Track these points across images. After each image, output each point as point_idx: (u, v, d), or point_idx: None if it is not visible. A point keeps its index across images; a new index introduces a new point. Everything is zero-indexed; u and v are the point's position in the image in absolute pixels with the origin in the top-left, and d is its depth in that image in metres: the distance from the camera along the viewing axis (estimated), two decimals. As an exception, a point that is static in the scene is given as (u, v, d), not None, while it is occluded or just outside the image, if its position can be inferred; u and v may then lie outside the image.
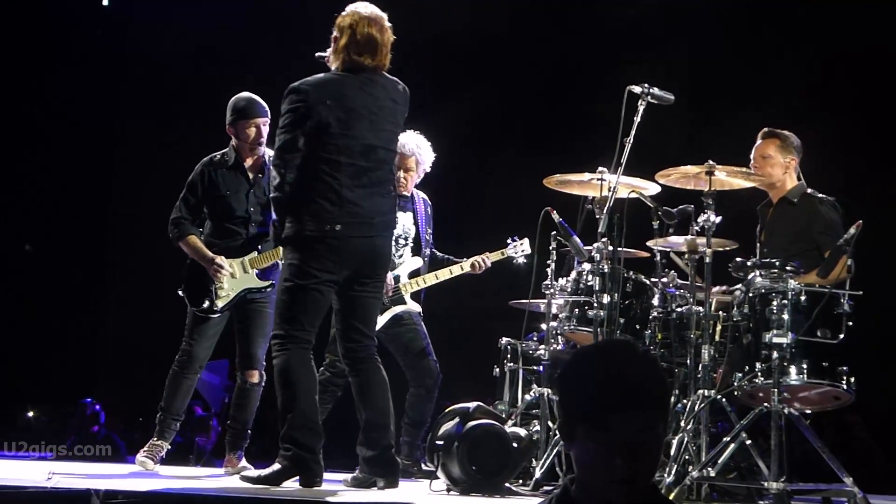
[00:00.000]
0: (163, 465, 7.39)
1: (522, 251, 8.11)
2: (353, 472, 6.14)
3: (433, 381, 7.79)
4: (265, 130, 7.34)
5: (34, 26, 11.79)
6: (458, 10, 10.56)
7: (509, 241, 8.15)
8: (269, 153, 7.33)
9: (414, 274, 7.89)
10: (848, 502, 6.16)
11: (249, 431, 7.52)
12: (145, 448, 7.32)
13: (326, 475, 6.04)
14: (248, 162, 7.41)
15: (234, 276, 7.27)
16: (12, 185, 12.37)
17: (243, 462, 7.37)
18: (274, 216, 6.09)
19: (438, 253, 8.14)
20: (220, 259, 7.22)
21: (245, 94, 7.45)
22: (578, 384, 2.68)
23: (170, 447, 7.44)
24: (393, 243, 7.74)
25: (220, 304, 7.29)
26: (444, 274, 8.00)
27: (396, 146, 6.19)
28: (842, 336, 5.95)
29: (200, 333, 7.36)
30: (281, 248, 7.01)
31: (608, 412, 2.59)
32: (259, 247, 7.33)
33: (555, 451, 6.42)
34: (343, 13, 6.01)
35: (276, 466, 5.87)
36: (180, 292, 7.39)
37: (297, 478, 5.85)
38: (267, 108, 7.35)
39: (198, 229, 7.39)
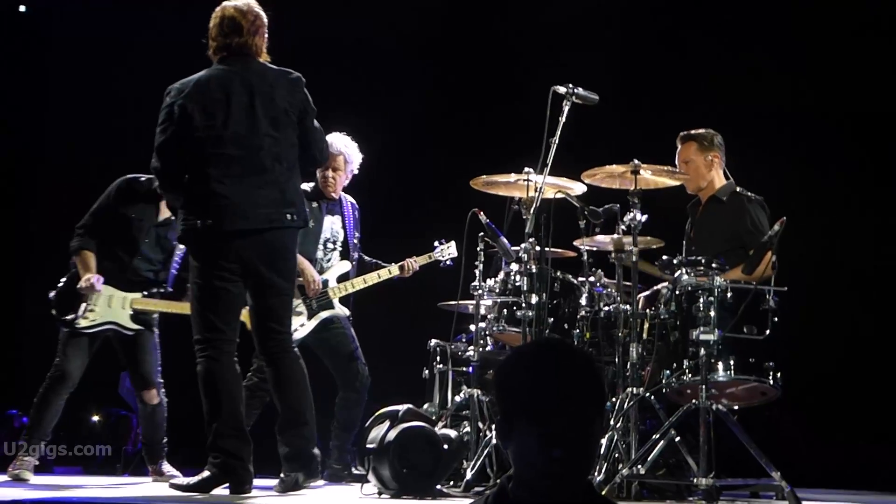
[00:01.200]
0: (90, 476, 7.30)
1: (449, 254, 8.14)
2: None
3: (362, 385, 7.77)
4: None
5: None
6: (382, 11, 10.53)
7: (436, 244, 8.17)
8: None
9: (343, 278, 7.87)
10: (776, 496, 6.25)
11: (165, 440, 7.42)
12: (16, 462, 7.10)
13: (259, 481, 5.99)
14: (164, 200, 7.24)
15: (110, 306, 7.16)
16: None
17: (167, 468, 7.29)
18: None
19: (366, 257, 8.13)
20: (98, 279, 7.09)
21: None
22: (516, 378, 2.70)
23: (37, 462, 7.23)
24: (321, 247, 7.73)
25: (82, 322, 7.14)
26: (372, 278, 8.00)
27: (284, 133, 5.88)
28: (768, 332, 6.02)
29: (74, 349, 7.19)
30: (169, 303, 7.24)
31: (546, 404, 2.61)
32: (146, 292, 7.25)
33: (485, 452, 6.43)
34: None
35: (205, 474, 5.80)
36: (51, 296, 7.26)
37: (227, 485, 5.80)
38: None
39: (94, 245, 7.22)
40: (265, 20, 6.03)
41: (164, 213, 7.27)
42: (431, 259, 8.14)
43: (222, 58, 5.97)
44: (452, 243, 8.11)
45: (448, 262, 8.12)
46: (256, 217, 5.76)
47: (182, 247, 7.17)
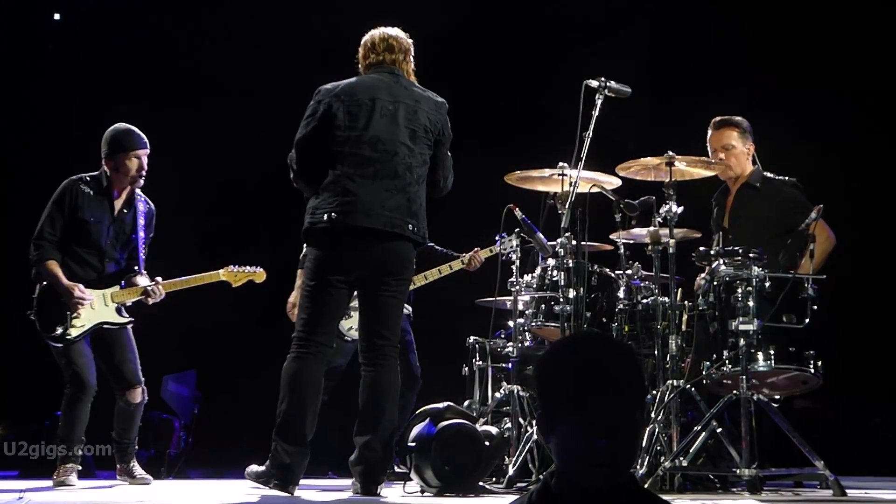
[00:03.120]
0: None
1: (512, 247, 8.03)
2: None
3: (410, 388, 7.71)
4: (146, 162, 7.22)
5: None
6: (410, 8, 10.54)
7: (497, 237, 8.08)
8: (139, 193, 7.31)
9: None
10: (820, 485, 6.23)
11: (136, 439, 7.35)
12: (59, 470, 7.00)
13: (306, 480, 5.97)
14: (120, 195, 7.25)
15: (93, 308, 7.09)
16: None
17: (139, 470, 7.23)
18: None
19: (438, 248, 8.15)
20: (80, 290, 7.05)
21: (123, 125, 7.29)
22: (557, 370, 2.71)
23: (80, 467, 7.14)
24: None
25: (73, 332, 7.04)
26: (433, 274, 8.02)
27: (419, 146, 5.98)
28: (807, 321, 6.00)
29: (78, 353, 7.08)
30: (135, 288, 7.20)
31: (587, 394, 2.62)
32: (122, 282, 7.20)
33: (527, 447, 6.43)
34: None
35: (264, 467, 5.90)
36: (31, 316, 7.16)
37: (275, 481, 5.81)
38: (146, 141, 7.24)
39: (58, 254, 7.14)
40: (412, 46, 6.25)
41: (117, 205, 7.25)
42: (493, 252, 8.07)
43: (374, 70, 6.13)
44: (514, 236, 8.04)
45: (512, 255, 8.07)
46: (381, 217, 5.83)
47: (142, 226, 7.29)
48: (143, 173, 7.24)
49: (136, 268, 7.29)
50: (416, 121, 5.99)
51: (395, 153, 5.90)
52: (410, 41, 6.25)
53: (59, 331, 7.04)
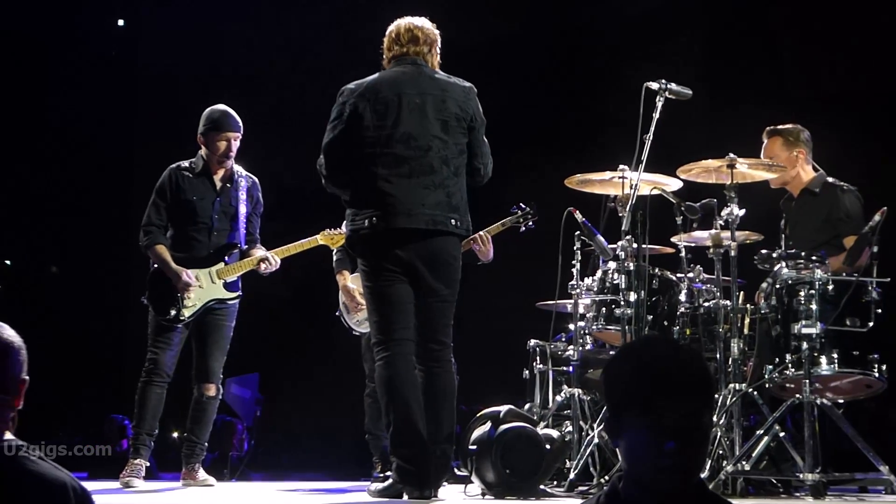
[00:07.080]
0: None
1: (530, 217, 7.85)
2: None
3: None
4: (235, 146, 7.38)
5: (43, 47, 11.75)
6: (470, 10, 10.55)
7: (513, 209, 7.90)
8: (238, 169, 7.48)
9: None
10: (885, 491, 6.16)
11: (206, 444, 7.46)
12: (127, 469, 7.11)
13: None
14: (217, 172, 7.44)
15: (202, 287, 7.24)
16: (32, 207, 12.36)
17: (202, 473, 7.31)
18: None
19: None
20: (188, 273, 7.21)
21: (220, 106, 7.46)
22: (625, 372, 2.72)
23: (147, 464, 7.26)
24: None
25: (186, 313, 7.21)
26: None
27: (453, 136, 5.81)
28: (871, 324, 5.95)
29: (166, 341, 7.24)
30: (247, 260, 7.34)
31: (656, 395, 2.62)
32: (226, 258, 7.35)
33: (588, 451, 6.42)
34: None
35: (389, 481, 5.79)
36: (144, 300, 7.33)
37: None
38: (240, 124, 7.40)
39: (167, 238, 7.35)
40: (439, 37, 6.07)
41: (218, 183, 7.43)
42: (505, 227, 7.93)
43: (396, 63, 5.98)
44: (533, 205, 7.87)
45: (530, 225, 7.90)
46: (421, 217, 5.70)
47: (244, 201, 7.45)
48: (231, 155, 7.39)
49: (237, 242, 7.43)
50: (446, 111, 5.82)
51: (429, 148, 5.76)
52: (437, 32, 6.06)
53: (173, 313, 7.23)
